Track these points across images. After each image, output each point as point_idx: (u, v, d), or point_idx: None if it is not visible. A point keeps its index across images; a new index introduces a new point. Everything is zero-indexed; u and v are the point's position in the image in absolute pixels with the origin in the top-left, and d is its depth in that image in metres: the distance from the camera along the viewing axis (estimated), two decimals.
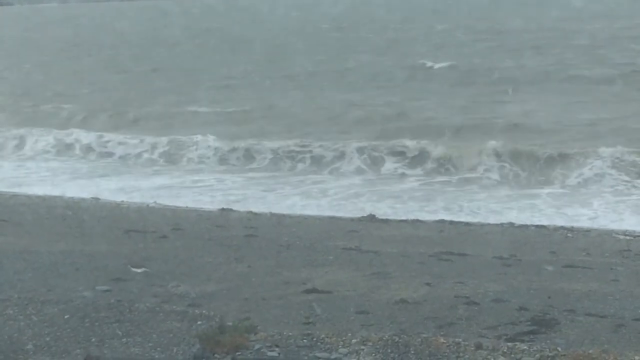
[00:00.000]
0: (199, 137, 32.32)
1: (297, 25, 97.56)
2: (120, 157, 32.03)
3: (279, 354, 8.43)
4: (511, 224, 19.36)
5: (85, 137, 34.34)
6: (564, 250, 16.02)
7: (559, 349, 8.57)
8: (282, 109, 39.27)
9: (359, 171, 27.99)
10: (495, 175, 26.12)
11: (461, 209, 22.04)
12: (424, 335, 8.97)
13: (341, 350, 8.49)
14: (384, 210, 21.80)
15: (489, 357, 8.37)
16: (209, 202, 23.23)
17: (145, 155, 31.76)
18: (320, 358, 8.34)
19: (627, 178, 24.61)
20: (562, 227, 18.98)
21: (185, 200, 23.69)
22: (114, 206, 21.69)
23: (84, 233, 16.89)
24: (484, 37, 71.71)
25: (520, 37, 68.52)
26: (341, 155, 29.03)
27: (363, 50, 62.83)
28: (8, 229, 16.98)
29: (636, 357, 8.36)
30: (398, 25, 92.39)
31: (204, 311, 9.68)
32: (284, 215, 20.46)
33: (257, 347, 8.55)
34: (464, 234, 17.99)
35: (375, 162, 28.51)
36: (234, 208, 21.62)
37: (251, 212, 20.94)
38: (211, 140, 32.03)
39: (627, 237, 17.94)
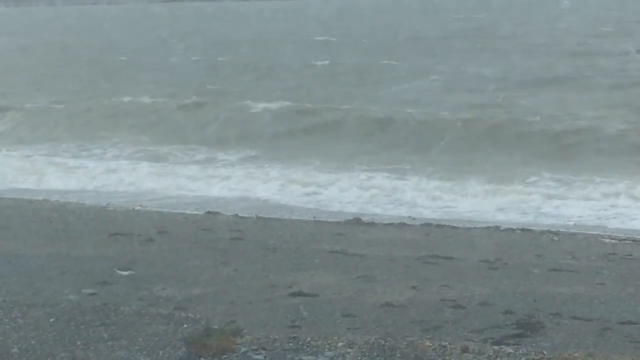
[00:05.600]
0: None
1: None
2: None
3: (265, 357, 8.42)
4: (497, 228, 19.39)
5: None
6: (550, 253, 16.05)
7: (545, 352, 8.58)
8: None
9: None
10: None
11: None
12: (410, 339, 8.97)
13: (327, 353, 8.49)
14: None
15: None
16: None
17: None
18: None
19: None
20: (548, 231, 19.00)
21: None
22: (99, 209, 21.64)
23: (70, 236, 16.85)
24: None
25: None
26: None
27: None
28: None
29: None
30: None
31: (190, 314, 9.67)
32: (270, 219, 20.45)
33: (243, 350, 8.54)
34: (450, 237, 18.01)
35: None
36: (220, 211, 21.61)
37: (237, 215, 20.92)
38: None
39: (613, 241, 18.00)
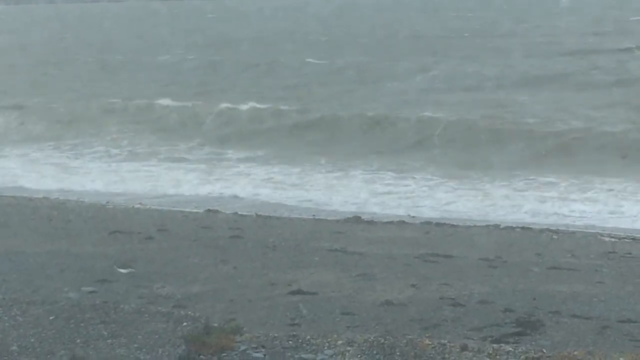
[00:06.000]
0: None
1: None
2: None
3: (265, 355, 8.42)
4: (496, 226, 19.38)
5: None
6: (550, 252, 16.05)
7: (544, 350, 8.58)
8: None
9: None
10: None
11: None
12: (410, 337, 8.97)
13: (327, 351, 8.49)
14: None
15: (474, 358, 8.38)
16: None
17: None
18: (305, 359, 8.34)
19: None
20: (548, 229, 18.99)
21: None
22: (99, 207, 21.63)
23: (69, 234, 16.85)
24: None
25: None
26: None
27: None
28: None
29: (621, 359, 8.38)
30: None
31: (189, 312, 9.67)
32: (269, 217, 20.44)
33: (242, 348, 8.54)
34: (450, 236, 18.00)
35: None
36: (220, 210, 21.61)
37: (237, 213, 20.92)
38: None
39: (613, 239, 17.99)
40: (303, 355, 8.41)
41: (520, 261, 14.83)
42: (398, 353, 8.45)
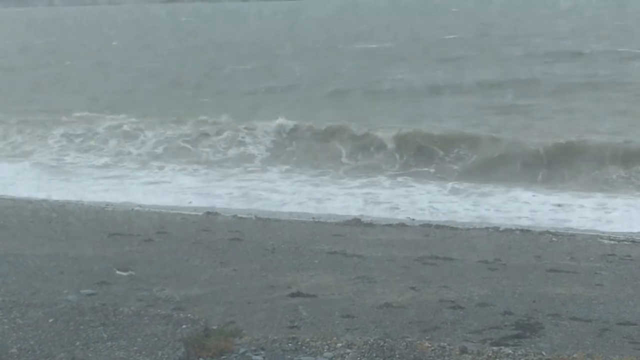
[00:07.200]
0: None
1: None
2: None
3: (264, 357, 8.41)
4: (496, 228, 19.38)
5: None
6: (549, 254, 16.05)
7: (544, 353, 8.57)
8: None
9: None
10: None
11: None
12: (409, 339, 8.96)
13: (326, 354, 8.48)
14: None
15: None
16: None
17: None
18: None
19: None
20: (547, 232, 19.00)
21: None
22: (99, 209, 21.64)
23: (69, 236, 16.84)
24: None
25: None
26: None
27: None
28: None
29: None
30: None
31: (189, 315, 9.65)
32: (269, 219, 20.45)
33: (242, 350, 8.54)
34: (449, 238, 18.01)
35: None
36: (220, 212, 21.61)
37: (236, 216, 20.92)
38: None
39: (612, 242, 17.99)
40: (302, 358, 8.41)
41: (519, 264, 14.83)
42: (397, 356, 8.45)
